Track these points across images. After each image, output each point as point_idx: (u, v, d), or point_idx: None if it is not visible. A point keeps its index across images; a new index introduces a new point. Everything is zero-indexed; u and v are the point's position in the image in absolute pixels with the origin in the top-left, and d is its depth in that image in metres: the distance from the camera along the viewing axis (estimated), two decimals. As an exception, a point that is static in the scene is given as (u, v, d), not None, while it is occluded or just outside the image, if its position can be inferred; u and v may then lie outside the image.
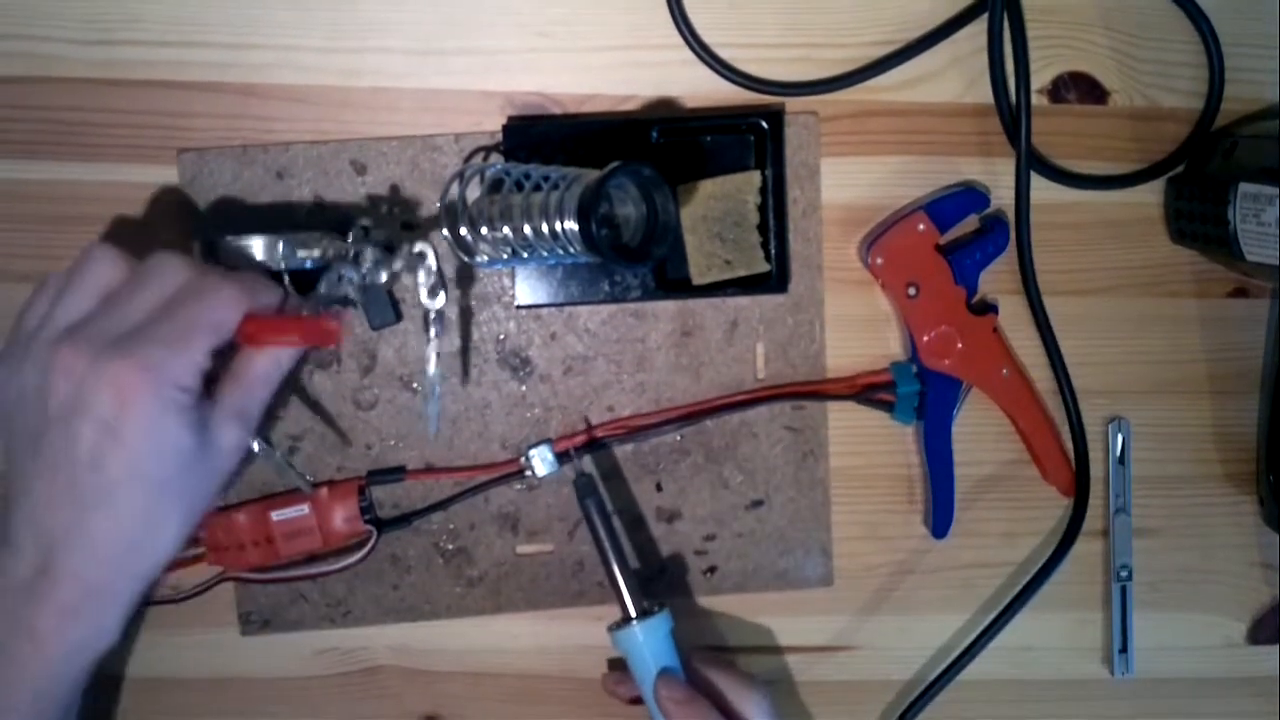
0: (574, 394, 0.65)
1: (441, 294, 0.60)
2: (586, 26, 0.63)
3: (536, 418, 0.65)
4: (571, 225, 0.52)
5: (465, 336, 0.64)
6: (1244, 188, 0.59)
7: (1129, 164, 0.66)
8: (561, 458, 0.64)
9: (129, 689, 0.66)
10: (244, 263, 0.57)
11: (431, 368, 0.60)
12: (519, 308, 0.63)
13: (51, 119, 0.62)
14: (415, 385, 0.64)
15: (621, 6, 0.63)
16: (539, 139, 0.62)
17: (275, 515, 0.62)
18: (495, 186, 0.57)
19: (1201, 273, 0.67)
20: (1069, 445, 0.67)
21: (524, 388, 0.65)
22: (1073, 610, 0.70)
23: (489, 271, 0.64)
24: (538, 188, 0.55)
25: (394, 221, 0.62)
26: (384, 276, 0.58)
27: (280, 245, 0.57)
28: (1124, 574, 0.69)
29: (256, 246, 0.57)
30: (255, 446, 0.57)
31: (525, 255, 0.56)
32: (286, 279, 0.57)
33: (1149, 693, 0.71)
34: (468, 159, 0.63)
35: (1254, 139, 0.62)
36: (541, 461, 0.64)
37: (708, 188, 0.62)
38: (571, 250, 0.54)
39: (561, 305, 0.64)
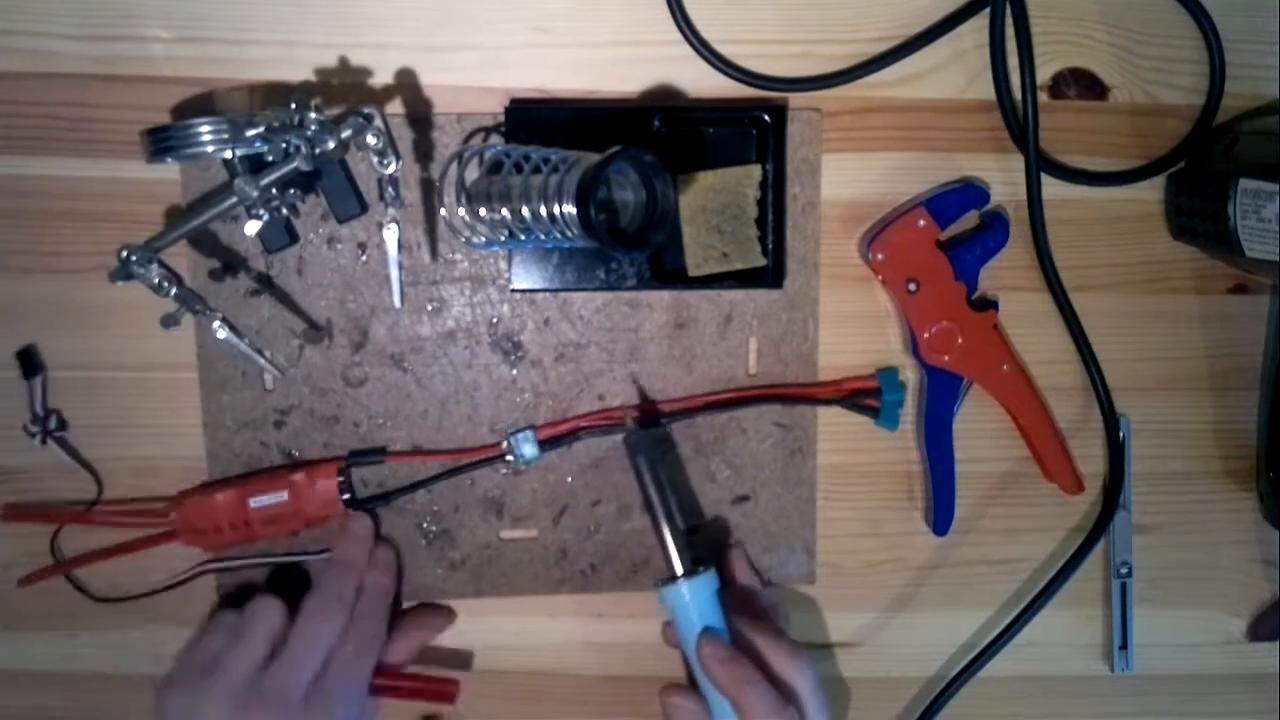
0: (564, 380, 0.65)
1: (393, 158, 0.57)
2: (587, 22, 0.63)
3: (526, 403, 0.65)
4: (570, 208, 0.52)
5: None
6: (1244, 184, 0.59)
7: (1129, 160, 0.66)
8: (544, 445, 0.64)
9: (124, 687, 0.66)
10: (192, 146, 0.55)
11: (390, 237, 0.60)
12: (514, 291, 0.63)
13: (49, 114, 0.61)
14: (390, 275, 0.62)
15: (622, 3, 0.63)
16: (541, 122, 0.61)
17: (253, 502, 0.62)
18: (495, 168, 0.57)
19: (1202, 269, 0.67)
20: (1070, 443, 0.67)
21: (515, 372, 0.65)
22: (1073, 607, 0.70)
23: (486, 253, 0.63)
24: (537, 170, 0.54)
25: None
26: (331, 143, 0.55)
27: (225, 125, 0.55)
28: (1124, 570, 0.69)
29: (203, 130, 0.55)
30: (221, 333, 0.57)
31: (523, 238, 0.56)
32: (238, 164, 0.56)
33: (1149, 689, 0.71)
34: (468, 139, 0.62)
35: (1254, 135, 0.62)
36: (524, 447, 0.63)
37: (707, 179, 0.62)
38: (569, 234, 0.53)
39: (557, 291, 0.63)
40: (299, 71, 0.62)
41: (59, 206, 0.62)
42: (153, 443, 0.65)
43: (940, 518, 0.67)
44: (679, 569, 0.61)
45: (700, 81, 0.63)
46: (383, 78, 0.62)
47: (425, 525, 0.66)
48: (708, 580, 0.61)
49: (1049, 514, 0.69)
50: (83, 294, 0.63)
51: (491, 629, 0.67)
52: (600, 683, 0.68)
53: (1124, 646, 0.69)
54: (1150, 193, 0.66)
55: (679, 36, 0.63)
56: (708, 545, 0.67)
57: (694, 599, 0.60)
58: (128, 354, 0.63)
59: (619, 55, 0.63)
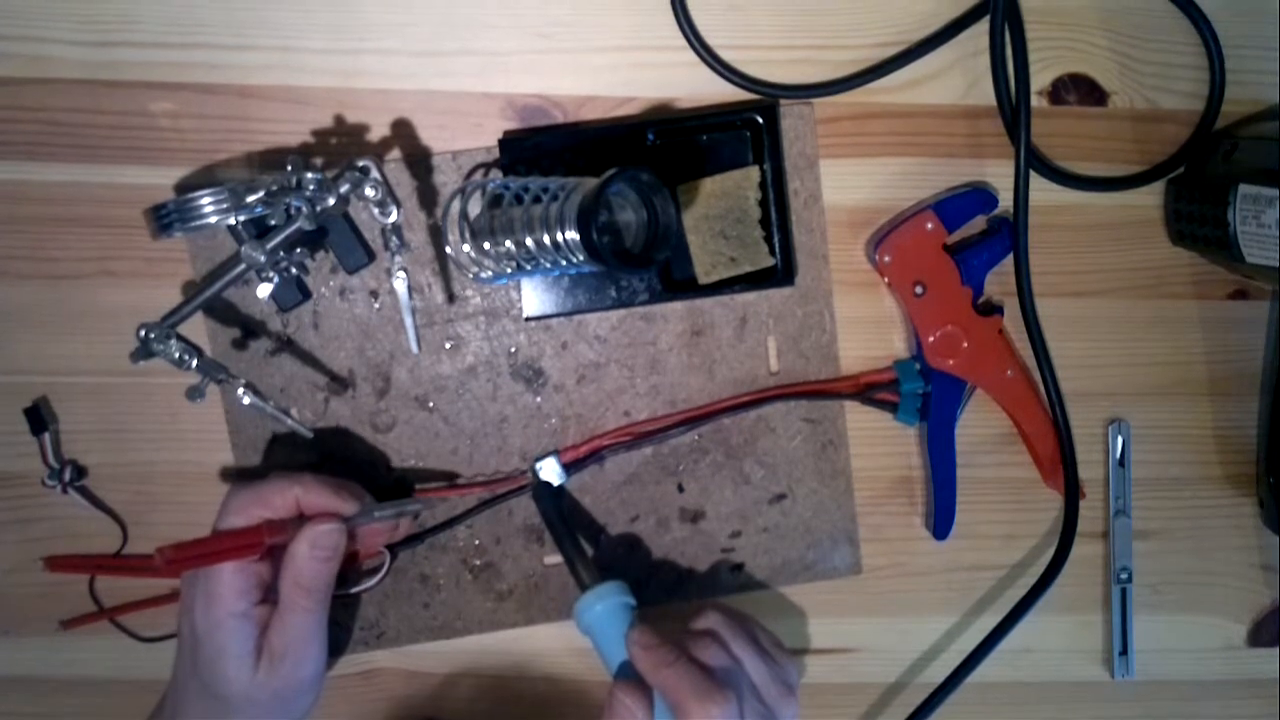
0: (589, 401, 0.65)
1: (393, 208, 0.58)
2: (587, 28, 0.63)
3: (554, 428, 0.65)
4: (573, 235, 0.52)
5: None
6: (1244, 189, 0.59)
7: (1129, 165, 0.66)
8: (570, 467, 0.64)
9: (128, 690, 0.66)
10: (195, 219, 0.55)
11: (400, 285, 0.61)
12: (528, 319, 0.63)
13: (49, 120, 0.62)
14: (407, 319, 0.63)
15: (623, 8, 0.63)
16: (536, 151, 0.62)
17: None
18: (495, 201, 0.57)
19: (1201, 274, 0.67)
20: (1070, 448, 0.67)
21: (539, 399, 0.65)
22: (1073, 613, 0.70)
23: (496, 286, 0.64)
24: (537, 199, 0.55)
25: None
26: (331, 200, 0.56)
27: (226, 194, 0.55)
28: (1124, 576, 0.69)
29: (205, 201, 0.55)
30: (246, 399, 0.57)
31: (529, 268, 0.57)
32: (243, 230, 0.57)
33: (1149, 695, 0.71)
34: (467, 176, 0.63)
35: (1254, 141, 0.62)
36: (551, 472, 0.64)
37: (708, 186, 0.62)
38: (575, 259, 0.54)
39: (570, 314, 0.64)
40: (299, 77, 0.62)
41: (58, 212, 0.62)
42: (151, 448, 0.65)
43: (940, 522, 0.67)
44: (587, 581, 0.60)
45: (700, 87, 0.63)
46: (384, 84, 0.62)
47: (469, 560, 0.66)
48: (617, 586, 0.60)
49: (1048, 519, 0.69)
50: (81, 299, 0.63)
51: (489, 635, 0.67)
52: (600, 688, 0.67)
53: (1124, 652, 0.69)
54: (1150, 198, 0.66)
55: (680, 42, 0.63)
56: (696, 587, 0.67)
57: (605, 605, 0.60)
58: (126, 359, 0.63)
59: (619, 61, 0.63)
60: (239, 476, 0.65)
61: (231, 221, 0.56)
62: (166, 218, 0.55)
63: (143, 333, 0.55)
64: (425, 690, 0.68)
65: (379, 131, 0.63)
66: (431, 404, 0.64)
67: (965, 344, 0.64)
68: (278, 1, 0.61)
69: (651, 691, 0.56)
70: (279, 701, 0.58)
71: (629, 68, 0.63)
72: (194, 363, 0.56)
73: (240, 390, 0.58)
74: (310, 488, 0.58)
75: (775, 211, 0.62)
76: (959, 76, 0.64)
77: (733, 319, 0.65)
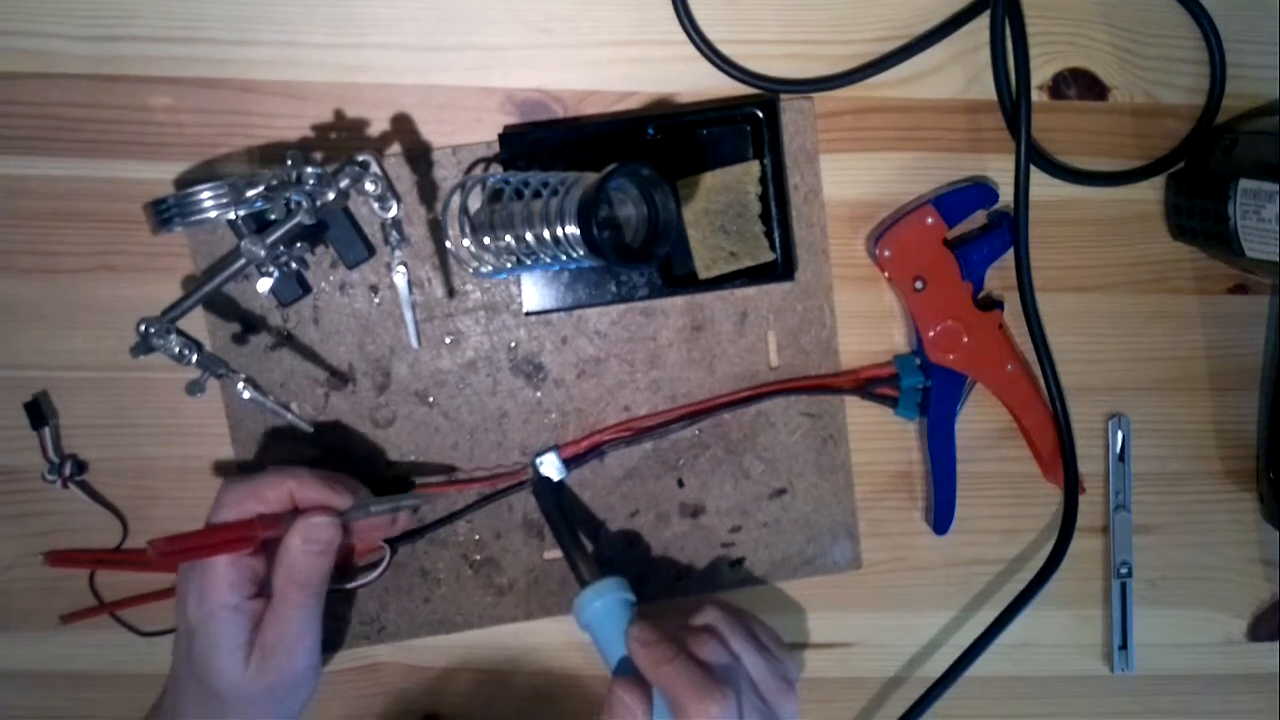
0: (589, 396, 0.65)
1: (393, 203, 0.58)
2: (587, 22, 0.63)
3: (554, 423, 0.65)
4: (573, 229, 0.52)
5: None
6: (1244, 184, 0.59)
7: (1129, 160, 0.66)
8: (570, 463, 0.64)
9: (128, 685, 0.66)
10: (195, 214, 0.56)
11: (400, 280, 0.61)
12: (528, 314, 0.63)
13: (50, 114, 0.62)
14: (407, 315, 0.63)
15: (622, 3, 0.63)
16: (536, 145, 0.62)
17: None
18: (495, 196, 0.57)
19: (1202, 269, 0.67)
20: (1070, 443, 0.67)
21: (539, 394, 0.65)
22: (1072, 607, 0.70)
23: (497, 280, 0.64)
24: (537, 194, 0.55)
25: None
26: (331, 195, 0.56)
27: (226, 189, 0.55)
28: (1124, 571, 0.69)
29: (204, 196, 0.55)
30: (246, 394, 0.57)
31: (529, 263, 0.56)
32: (243, 225, 0.57)
33: (1149, 689, 0.71)
34: (467, 171, 0.63)
35: (1254, 135, 0.62)
36: (551, 467, 0.64)
37: (708, 181, 0.62)
38: (575, 254, 0.54)
39: (570, 309, 0.64)
40: (300, 72, 0.62)
41: (59, 207, 0.62)
42: (151, 443, 0.65)
43: (940, 517, 0.67)
44: (587, 576, 0.61)
45: (700, 82, 0.63)
46: (384, 79, 0.62)
47: (470, 555, 0.66)
48: (617, 582, 0.60)
49: (1048, 514, 0.69)
50: (82, 294, 0.63)
51: (491, 630, 0.67)
52: (599, 683, 0.68)
53: (1124, 646, 0.69)
54: (1150, 193, 0.66)
55: (680, 37, 0.62)
56: (695, 582, 0.67)
57: (604, 601, 0.60)
58: (126, 354, 0.63)
59: (619, 55, 0.63)
60: (239, 471, 0.65)
61: (231, 216, 0.56)
62: (167, 212, 0.55)
63: (143, 327, 0.55)
64: (425, 684, 0.68)
65: (379, 126, 0.63)
66: (431, 399, 0.64)
67: (965, 339, 0.64)
68: (279, -4, 0.62)
69: (651, 688, 0.56)
70: (272, 696, 0.58)
71: (629, 62, 0.63)
72: (194, 357, 0.56)
73: (240, 385, 0.58)
74: (304, 482, 0.58)
75: (775, 206, 0.62)
76: (959, 71, 0.64)
77: (733, 314, 0.65)
